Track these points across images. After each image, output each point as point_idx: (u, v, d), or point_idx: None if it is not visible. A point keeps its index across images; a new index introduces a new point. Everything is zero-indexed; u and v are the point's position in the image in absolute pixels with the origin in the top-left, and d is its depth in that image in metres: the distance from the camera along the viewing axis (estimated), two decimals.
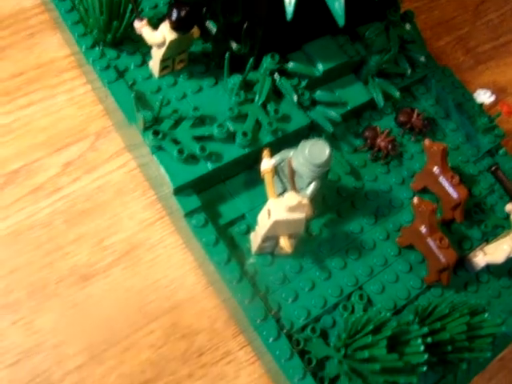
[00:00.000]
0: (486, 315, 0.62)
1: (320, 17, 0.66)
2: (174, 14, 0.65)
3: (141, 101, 0.71)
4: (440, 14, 1.02)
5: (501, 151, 0.84)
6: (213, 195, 0.70)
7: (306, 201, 0.60)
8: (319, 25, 0.73)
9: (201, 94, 0.72)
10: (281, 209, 0.58)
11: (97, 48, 0.74)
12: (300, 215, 0.59)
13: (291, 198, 0.58)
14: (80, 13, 0.73)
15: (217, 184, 0.70)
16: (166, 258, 0.71)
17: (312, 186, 0.63)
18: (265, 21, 0.66)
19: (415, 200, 0.67)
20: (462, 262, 0.74)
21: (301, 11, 0.58)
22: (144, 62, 0.74)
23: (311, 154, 0.60)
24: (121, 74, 0.73)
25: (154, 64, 0.73)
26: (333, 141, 0.77)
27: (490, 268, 0.75)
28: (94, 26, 0.72)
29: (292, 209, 0.58)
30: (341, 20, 0.56)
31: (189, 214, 0.66)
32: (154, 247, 0.71)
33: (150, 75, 0.74)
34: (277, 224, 0.59)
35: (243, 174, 0.72)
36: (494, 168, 0.73)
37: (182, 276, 0.70)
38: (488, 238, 0.77)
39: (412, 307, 0.69)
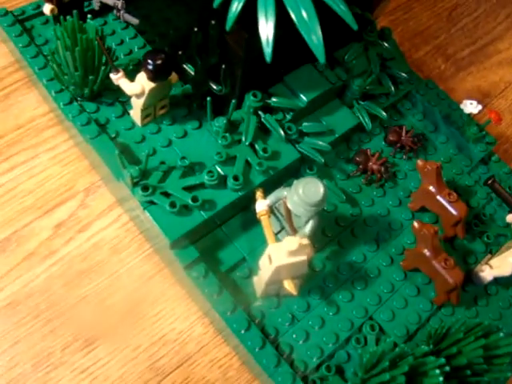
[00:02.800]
0: (501, 334, 0.61)
1: (298, 47, 0.65)
2: (150, 65, 0.64)
3: (126, 154, 0.69)
4: (415, 25, 1.02)
5: (493, 158, 0.83)
6: (211, 242, 0.68)
7: (306, 241, 0.58)
8: (298, 55, 0.72)
9: (186, 139, 0.71)
10: (281, 254, 0.57)
11: (75, 103, 0.73)
12: (302, 257, 0.58)
13: (291, 242, 0.57)
14: (54, 69, 0.72)
15: (213, 230, 0.69)
16: (170, 311, 0.69)
17: (310, 225, 0.62)
18: (243, 61, 0.65)
19: (415, 224, 0.66)
20: (469, 277, 0.73)
21: (279, 46, 0.57)
22: (125, 111, 0.73)
23: (306, 193, 0.59)
24: (102, 127, 0.71)
25: (135, 113, 0.71)
26: (324, 170, 0.76)
27: (497, 279, 0.74)
28: (70, 82, 0.71)
29: (293, 253, 0.57)
30: (321, 57, 0.55)
31: (188, 266, 0.64)
32: (156, 301, 0.69)
33: (133, 124, 0.72)
34: (279, 269, 0.58)
35: (239, 215, 0.71)
36: (490, 181, 0.72)
37: (189, 327, 0.69)
38: (492, 248, 0.76)
39: (424, 330, 0.68)
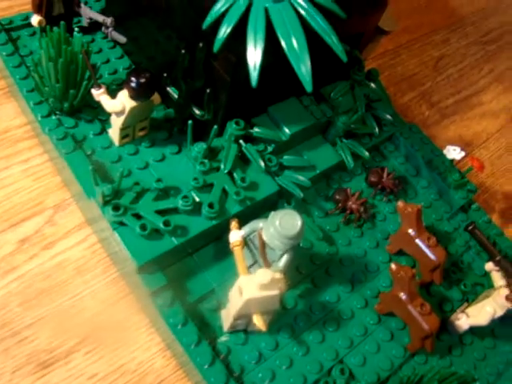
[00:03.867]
0: None
1: (285, 79, 0.64)
2: (133, 82, 0.63)
3: (100, 172, 0.67)
4: (402, 71, 1.03)
5: (473, 206, 0.83)
6: (180, 269, 0.66)
7: (279, 275, 0.56)
8: (284, 87, 0.72)
9: (164, 163, 0.69)
10: (253, 286, 0.55)
11: (53, 117, 0.71)
12: (274, 292, 0.55)
13: (263, 274, 0.54)
14: (35, 80, 0.70)
15: (184, 257, 0.66)
16: (131, 340, 0.65)
17: (284, 259, 0.60)
18: (229, 87, 0.64)
19: (393, 266, 0.65)
20: (445, 325, 0.71)
21: (265, 75, 0.56)
22: (103, 129, 0.71)
23: (282, 226, 0.57)
24: (79, 143, 0.69)
25: (114, 132, 0.69)
26: (303, 205, 0.74)
27: (472, 329, 0.72)
28: (50, 95, 0.69)
29: (265, 286, 0.54)
30: (308, 86, 0.54)
31: (154, 293, 0.61)
32: (118, 328, 0.66)
33: (110, 144, 0.70)
34: (249, 302, 0.55)
35: (212, 245, 0.68)
36: (471, 227, 0.71)
37: (150, 359, 0.65)
38: (468, 297, 0.74)
39: (396, 378, 0.66)
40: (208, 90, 0.65)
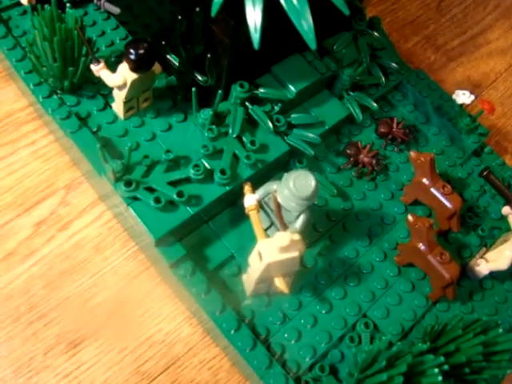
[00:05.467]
0: (500, 330, 0.59)
1: (287, 36, 0.63)
2: (132, 54, 0.61)
3: (108, 148, 0.67)
4: (404, 15, 1.00)
5: (486, 149, 0.82)
6: (198, 238, 0.66)
7: (297, 236, 0.56)
8: (286, 44, 0.70)
9: (171, 133, 0.69)
10: (272, 250, 0.55)
11: (55, 96, 0.70)
12: (294, 254, 0.55)
13: (282, 237, 0.54)
14: (32, 61, 0.69)
15: (200, 226, 0.66)
16: (156, 311, 0.66)
17: (301, 219, 0.60)
18: (229, 50, 0.62)
19: (410, 217, 0.64)
20: (464, 271, 0.71)
21: (267, 35, 0.54)
22: (107, 104, 0.70)
23: (296, 187, 0.56)
24: (83, 120, 0.68)
25: (118, 106, 0.69)
26: (314, 162, 0.74)
27: (492, 273, 0.72)
28: (49, 75, 0.68)
29: (284, 249, 0.54)
30: (312, 43, 0.53)
31: (174, 265, 0.62)
32: (142, 301, 0.67)
33: (115, 118, 0.70)
34: (270, 266, 0.56)
35: (227, 211, 0.68)
36: (485, 172, 0.70)
37: (177, 328, 0.66)
38: (486, 242, 0.74)
39: (420, 327, 0.66)
40: (209, 55, 0.64)
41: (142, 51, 0.61)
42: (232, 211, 0.68)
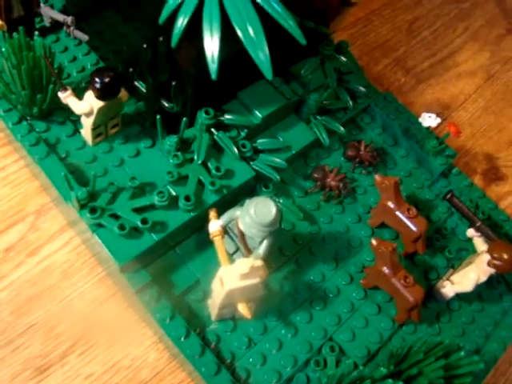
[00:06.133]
0: (462, 353, 0.60)
1: (252, 63, 0.64)
2: (98, 83, 0.62)
3: (77, 174, 0.67)
4: (375, 38, 1.02)
5: (454, 171, 0.83)
6: (164, 263, 0.66)
7: (259, 263, 0.57)
8: (252, 70, 0.71)
9: (138, 159, 0.69)
10: (233, 277, 0.55)
11: (24, 122, 0.70)
12: (254, 280, 0.56)
13: (243, 264, 0.55)
14: (1, 88, 0.69)
15: (167, 251, 0.67)
16: (123, 336, 0.67)
17: (264, 245, 0.60)
18: (194, 79, 0.63)
19: (373, 242, 0.65)
20: (431, 293, 0.72)
21: (230, 63, 0.55)
22: (76, 130, 0.71)
23: (257, 214, 0.57)
24: (52, 147, 0.69)
25: (86, 132, 0.69)
26: (282, 186, 0.75)
27: (459, 294, 0.73)
28: (18, 101, 0.69)
29: (245, 276, 0.55)
30: (268, 74, 0.54)
31: (140, 290, 0.62)
32: (109, 326, 0.67)
33: (84, 144, 0.70)
34: (231, 293, 0.56)
35: (194, 236, 0.69)
36: (449, 196, 0.71)
37: (143, 353, 0.66)
38: (453, 263, 0.75)
39: (386, 349, 0.67)
40: (174, 83, 0.65)
41: (107, 80, 0.62)
42: (199, 236, 0.69)
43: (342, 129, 0.77)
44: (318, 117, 0.77)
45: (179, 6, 0.55)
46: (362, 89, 0.81)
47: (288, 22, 0.54)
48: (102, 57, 0.79)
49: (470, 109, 0.98)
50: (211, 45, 0.53)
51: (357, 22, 1.02)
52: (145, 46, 0.64)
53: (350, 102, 0.79)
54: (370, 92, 0.84)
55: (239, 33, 0.53)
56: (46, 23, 0.78)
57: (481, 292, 0.74)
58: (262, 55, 0.53)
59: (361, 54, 0.98)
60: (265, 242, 0.61)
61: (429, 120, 0.77)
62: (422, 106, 0.94)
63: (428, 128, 0.79)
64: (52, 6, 0.79)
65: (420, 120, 0.78)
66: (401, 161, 0.82)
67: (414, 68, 1.00)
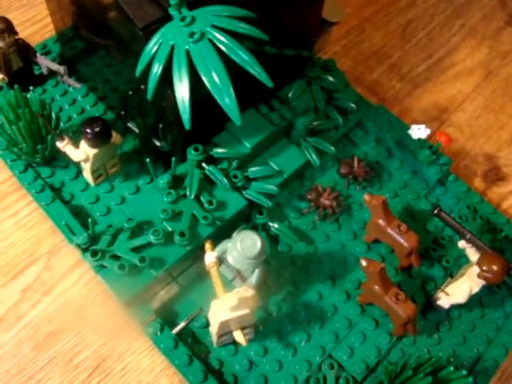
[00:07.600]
0: (452, 368, 0.61)
1: (239, 93, 0.66)
2: (89, 133, 0.66)
3: (82, 216, 0.72)
4: (368, 46, 1.02)
5: (450, 178, 0.83)
6: (167, 295, 0.70)
7: (250, 292, 0.60)
8: (240, 100, 0.73)
9: (138, 196, 0.73)
10: (223, 310, 0.59)
11: (30, 169, 0.75)
12: (244, 311, 0.59)
13: (230, 298, 0.58)
14: (5, 140, 0.74)
15: (169, 283, 0.71)
16: (136, 365, 0.71)
17: (255, 275, 0.64)
18: (178, 120, 0.66)
19: (363, 262, 0.67)
20: (430, 304, 0.74)
21: (209, 102, 0.58)
22: (78, 173, 0.76)
23: (243, 248, 0.60)
24: (57, 191, 0.74)
25: (87, 175, 0.74)
26: (277, 210, 0.77)
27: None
28: (21, 152, 0.73)
29: (234, 308, 0.58)
30: (236, 120, 0.56)
31: (144, 323, 0.66)
32: (122, 356, 0.71)
33: (87, 185, 0.75)
34: (224, 323, 0.60)
35: (195, 265, 0.72)
36: (436, 211, 0.72)
37: (155, 379, 0.70)
38: (452, 272, 0.76)
39: (386, 363, 0.69)
40: (161, 125, 0.68)
41: (97, 129, 0.66)
42: (199, 266, 0.72)
43: (332, 149, 0.78)
44: (308, 138, 0.78)
45: (153, 56, 0.59)
46: (352, 105, 0.82)
47: (254, 69, 0.56)
48: (100, 97, 0.83)
49: (469, 108, 0.98)
50: (181, 91, 0.56)
51: (350, 31, 1.03)
52: (130, 92, 0.68)
53: (340, 120, 0.81)
54: (362, 106, 0.85)
55: (205, 80, 0.55)
56: (44, 71, 0.82)
57: (481, 298, 0.75)
58: (228, 100, 0.56)
59: (355, 64, 0.99)
60: (256, 272, 0.64)
61: (418, 132, 0.78)
62: (419, 112, 0.95)
63: (418, 139, 0.80)
64: (49, 52, 0.84)
65: (409, 132, 0.79)
66: (396, 172, 0.83)
67: (410, 73, 1.00)
